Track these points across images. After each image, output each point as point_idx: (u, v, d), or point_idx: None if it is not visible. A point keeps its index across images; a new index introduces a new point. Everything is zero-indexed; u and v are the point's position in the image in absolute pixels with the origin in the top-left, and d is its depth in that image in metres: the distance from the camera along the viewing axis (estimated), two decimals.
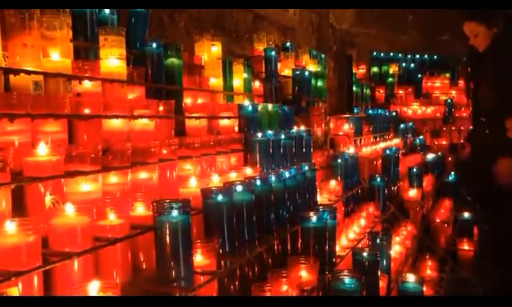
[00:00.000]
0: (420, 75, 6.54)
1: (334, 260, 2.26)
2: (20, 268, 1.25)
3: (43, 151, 1.49)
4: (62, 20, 1.76)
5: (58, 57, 1.75)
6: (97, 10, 2.06)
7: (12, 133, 1.51)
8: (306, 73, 3.69)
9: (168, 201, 1.57)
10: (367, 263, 2.27)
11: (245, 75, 2.97)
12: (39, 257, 1.33)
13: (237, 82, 2.89)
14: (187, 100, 2.42)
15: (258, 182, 2.08)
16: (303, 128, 3.11)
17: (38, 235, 1.32)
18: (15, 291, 1.26)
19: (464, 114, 5.71)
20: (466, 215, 4.49)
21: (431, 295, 3.07)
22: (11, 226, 1.30)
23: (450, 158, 5.38)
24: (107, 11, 2.11)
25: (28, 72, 1.60)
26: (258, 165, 2.44)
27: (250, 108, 2.64)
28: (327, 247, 2.18)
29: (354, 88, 5.20)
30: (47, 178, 1.49)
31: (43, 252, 1.36)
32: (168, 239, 1.54)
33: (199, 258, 1.66)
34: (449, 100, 6.18)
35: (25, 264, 1.27)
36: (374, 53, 6.44)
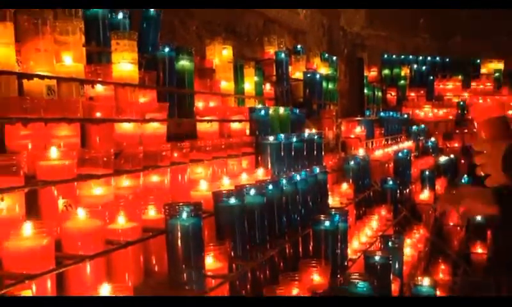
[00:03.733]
0: (431, 77, 6.50)
1: (346, 263, 2.25)
2: (33, 271, 1.26)
3: (56, 155, 1.51)
4: (75, 25, 1.78)
5: (71, 62, 1.77)
6: (109, 15, 2.07)
7: (25, 138, 1.53)
8: (317, 76, 3.69)
9: (179, 204, 1.57)
10: (379, 267, 2.26)
11: (256, 79, 2.97)
12: (52, 260, 1.34)
13: (248, 85, 2.89)
14: (199, 104, 2.43)
15: (269, 185, 2.08)
16: (314, 131, 3.11)
17: (51, 238, 1.34)
18: (29, 293, 1.27)
19: None
20: (479, 218, 4.45)
21: (443, 296, 3.04)
22: (25, 229, 1.31)
23: (462, 161, 5.34)
24: (119, 15, 2.12)
25: (41, 77, 1.62)
26: (269, 169, 2.44)
27: (261, 111, 2.65)
28: (339, 250, 2.18)
29: (365, 91, 5.19)
30: (60, 181, 1.51)
31: (57, 255, 1.37)
32: (179, 242, 1.54)
33: (210, 261, 1.67)
34: (461, 102, 6.13)
35: (39, 267, 1.28)
36: (385, 55, 6.41)
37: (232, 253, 1.79)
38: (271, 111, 2.71)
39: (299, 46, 3.99)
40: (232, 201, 1.80)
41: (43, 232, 1.32)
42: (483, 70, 6.82)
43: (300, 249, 2.28)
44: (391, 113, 5.15)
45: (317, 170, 2.55)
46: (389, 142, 4.78)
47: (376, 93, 5.53)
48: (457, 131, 5.98)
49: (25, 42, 1.63)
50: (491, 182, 1.51)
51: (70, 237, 1.47)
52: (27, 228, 1.31)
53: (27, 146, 1.53)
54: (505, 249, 1.90)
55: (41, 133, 1.58)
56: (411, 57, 6.59)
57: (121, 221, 1.62)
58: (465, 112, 6.05)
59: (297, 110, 3.11)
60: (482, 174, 1.52)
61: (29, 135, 1.53)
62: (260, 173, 2.34)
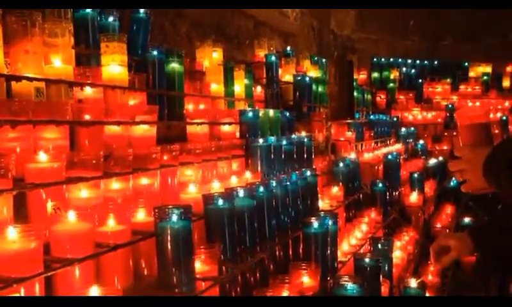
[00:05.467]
0: (420, 80, 6.55)
1: (336, 266, 2.26)
2: (21, 275, 1.25)
3: (44, 157, 1.50)
4: (64, 27, 1.77)
5: (60, 64, 1.76)
6: (99, 17, 2.07)
7: (14, 140, 1.52)
8: (307, 78, 3.70)
9: (169, 207, 1.57)
10: (368, 269, 2.27)
11: (246, 81, 2.97)
12: (40, 263, 1.33)
13: (238, 88, 2.89)
14: (189, 106, 2.42)
15: (259, 188, 2.08)
16: (304, 133, 3.11)
17: (39, 241, 1.33)
18: None
19: None
20: (468, 220, 4.48)
21: (432, 296, 3.06)
22: (13, 233, 1.30)
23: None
24: (109, 18, 2.12)
25: (30, 79, 1.61)
26: (259, 171, 2.44)
27: (251, 114, 2.65)
28: (328, 252, 2.18)
29: (355, 93, 5.21)
30: (48, 184, 1.50)
31: (45, 259, 1.36)
32: (169, 245, 1.54)
33: (200, 264, 1.66)
34: (450, 105, 6.18)
35: (27, 270, 1.27)
36: (375, 58, 6.45)
37: (222, 256, 1.79)
38: (261, 114, 2.72)
39: (289, 49, 4.00)
40: (222, 203, 1.80)
41: (32, 235, 1.31)
42: (471, 74, 6.89)
43: (290, 252, 2.29)
44: (380, 116, 5.18)
45: (307, 173, 2.56)
46: (378, 144, 4.80)
47: (366, 95, 5.56)
48: (446, 134, 6.03)
49: (13, 44, 1.62)
50: (467, 188, 1.53)
51: (58, 240, 1.46)
52: (15, 231, 1.30)
53: (16, 148, 1.52)
54: (492, 251, 1.94)
55: (30, 135, 1.57)
56: (400, 60, 6.64)
57: (111, 224, 1.61)
58: (454, 115, 6.10)
59: (287, 113, 3.11)
60: (461, 179, 1.54)
61: (18, 138, 1.52)
62: (250, 176, 2.34)
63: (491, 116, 6.12)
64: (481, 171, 1.43)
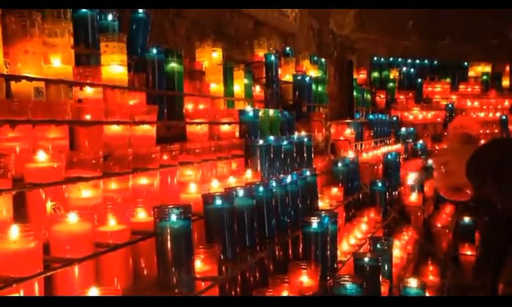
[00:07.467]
0: (420, 80, 6.55)
1: (335, 265, 2.26)
2: (21, 275, 1.25)
3: (44, 157, 1.50)
4: (63, 27, 1.77)
5: (59, 64, 1.76)
6: (98, 16, 2.07)
7: (13, 140, 1.51)
8: (307, 78, 3.70)
9: (169, 206, 1.57)
10: (368, 268, 2.27)
11: (246, 81, 2.97)
12: (40, 263, 1.33)
13: (238, 87, 2.89)
14: (188, 106, 2.42)
15: (259, 188, 2.08)
16: (303, 133, 3.11)
17: (39, 241, 1.33)
18: None
19: None
20: (467, 220, 4.49)
21: (432, 296, 3.06)
22: (12, 233, 1.30)
23: None
24: (108, 17, 2.12)
25: (29, 79, 1.61)
26: (259, 171, 2.44)
27: (251, 113, 2.65)
28: (328, 252, 2.18)
29: (354, 93, 5.21)
30: (48, 184, 1.50)
31: (45, 259, 1.36)
32: (168, 245, 1.54)
33: (200, 264, 1.66)
34: (450, 105, 6.18)
35: (26, 270, 1.27)
36: (375, 58, 6.45)
37: (222, 256, 1.79)
38: (260, 113, 2.72)
39: (288, 48, 4.00)
40: (222, 203, 1.80)
41: (31, 235, 1.31)
42: (471, 73, 6.90)
43: (290, 251, 2.29)
44: (380, 115, 5.18)
45: (307, 172, 2.56)
46: (378, 144, 4.80)
47: (365, 95, 5.55)
48: (446, 133, 6.03)
49: (13, 44, 1.62)
50: (445, 180, 1.52)
51: (58, 240, 1.46)
52: (15, 231, 1.30)
53: (15, 148, 1.52)
54: (490, 250, 1.93)
55: (29, 135, 1.57)
56: (400, 59, 6.64)
57: (110, 224, 1.61)
58: (453, 114, 6.11)
59: (287, 113, 3.11)
60: (443, 171, 1.53)
61: (17, 138, 1.52)
62: (250, 175, 2.34)
63: (491, 115, 6.13)
64: (465, 165, 1.43)
